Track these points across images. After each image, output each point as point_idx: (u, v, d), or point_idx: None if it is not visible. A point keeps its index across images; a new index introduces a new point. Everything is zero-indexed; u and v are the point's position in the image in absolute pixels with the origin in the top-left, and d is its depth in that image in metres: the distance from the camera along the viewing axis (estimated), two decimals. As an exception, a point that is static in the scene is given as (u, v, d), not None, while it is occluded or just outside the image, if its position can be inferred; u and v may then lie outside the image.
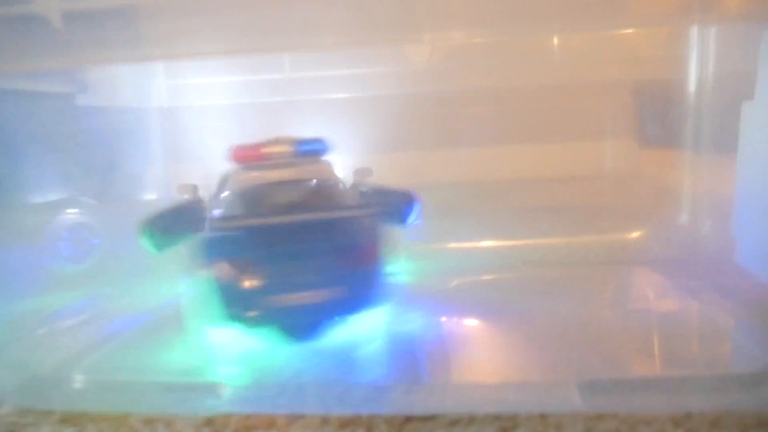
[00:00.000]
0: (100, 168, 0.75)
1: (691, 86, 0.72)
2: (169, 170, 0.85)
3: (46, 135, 0.65)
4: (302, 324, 0.47)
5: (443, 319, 0.55)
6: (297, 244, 0.47)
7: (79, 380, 0.45)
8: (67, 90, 0.69)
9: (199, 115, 0.83)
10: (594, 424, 0.37)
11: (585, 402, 0.39)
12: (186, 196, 0.55)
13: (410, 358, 0.48)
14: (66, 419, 0.40)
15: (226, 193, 0.53)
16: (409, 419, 0.38)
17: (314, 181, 0.53)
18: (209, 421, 0.39)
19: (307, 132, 0.58)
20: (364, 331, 0.50)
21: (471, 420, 0.38)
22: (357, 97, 0.81)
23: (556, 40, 0.77)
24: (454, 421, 0.38)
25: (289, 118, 0.81)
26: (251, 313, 0.46)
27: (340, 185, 0.56)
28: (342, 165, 0.61)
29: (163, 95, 0.82)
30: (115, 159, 0.78)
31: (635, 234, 0.74)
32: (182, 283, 0.51)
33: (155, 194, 0.82)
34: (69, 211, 0.65)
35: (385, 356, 0.48)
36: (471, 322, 0.55)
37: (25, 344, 0.51)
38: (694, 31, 0.70)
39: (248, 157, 0.53)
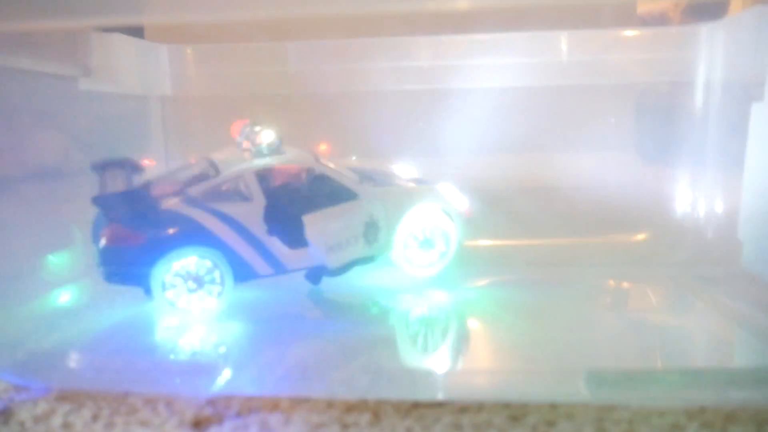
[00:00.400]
0: (98, 156, 0.74)
1: (699, 89, 0.72)
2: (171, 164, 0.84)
3: (48, 117, 0.64)
4: None
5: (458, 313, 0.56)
6: None
7: (75, 359, 0.44)
8: (70, 73, 0.68)
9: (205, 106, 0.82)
10: (606, 414, 0.36)
11: (592, 393, 0.38)
12: None
13: (420, 345, 0.47)
14: (64, 397, 0.39)
15: None
16: (416, 405, 0.37)
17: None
18: (211, 402, 0.38)
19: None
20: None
21: (480, 407, 0.37)
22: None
23: (563, 41, 0.77)
24: (463, 408, 0.37)
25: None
26: None
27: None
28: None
29: (167, 83, 0.81)
30: (116, 148, 0.77)
31: (640, 236, 0.74)
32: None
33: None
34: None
35: (394, 343, 0.47)
36: (484, 318, 0.54)
37: (25, 322, 0.50)
38: (702, 33, 0.70)
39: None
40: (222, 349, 0.47)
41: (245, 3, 0.51)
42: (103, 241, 0.52)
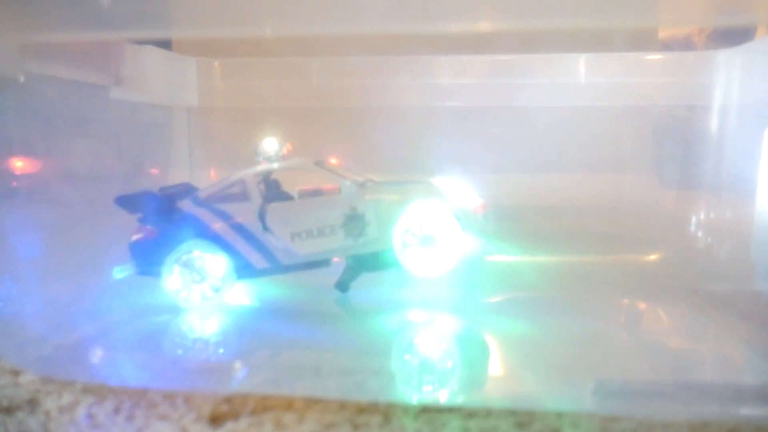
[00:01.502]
0: (126, 163, 0.76)
1: (715, 113, 0.73)
2: (194, 174, 0.86)
3: (80, 123, 0.67)
4: None
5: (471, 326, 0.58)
6: None
7: (97, 355, 0.46)
8: (102, 82, 0.71)
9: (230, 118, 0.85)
10: (610, 424, 0.37)
11: (599, 404, 0.39)
12: None
13: (432, 353, 0.49)
14: (88, 390, 0.41)
15: None
16: (425, 409, 0.39)
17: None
18: (228, 399, 0.39)
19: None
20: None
21: (488, 413, 0.38)
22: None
23: (582, 64, 0.79)
24: (471, 414, 0.38)
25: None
26: None
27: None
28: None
29: (194, 95, 0.83)
30: (142, 156, 0.79)
31: (653, 257, 0.74)
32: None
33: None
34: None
35: (408, 350, 0.49)
36: (496, 331, 0.56)
37: (50, 319, 0.52)
38: (719, 58, 0.71)
39: None
40: (238, 349, 0.49)
41: (272, 20, 0.54)
42: (131, 238, 0.60)
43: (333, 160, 0.68)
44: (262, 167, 0.62)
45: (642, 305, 0.64)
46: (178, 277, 0.58)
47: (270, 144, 0.62)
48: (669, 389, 0.41)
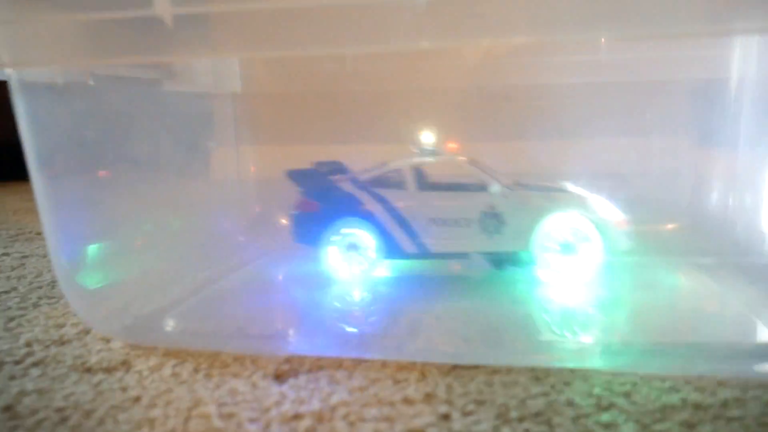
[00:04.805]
0: (182, 147, 0.83)
1: (733, 86, 0.76)
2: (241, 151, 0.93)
3: (139, 115, 0.74)
4: None
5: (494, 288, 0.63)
6: None
7: (170, 324, 0.53)
8: (156, 77, 0.77)
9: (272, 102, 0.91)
10: (616, 377, 0.43)
11: (604, 362, 0.45)
12: None
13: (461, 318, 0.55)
14: (169, 353, 0.49)
15: None
16: (455, 367, 0.45)
17: None
18: (288, 360, 0.47)
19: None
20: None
21: (509, 370, 0.44)
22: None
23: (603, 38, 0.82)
24: (495, 371, 0.44)
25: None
26: None
27: None
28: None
29: (237, 82, 0.89)
30: (195, 140, 0.86)
31: (671, 225, 0.79)
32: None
33: (226, 173, 0.91)
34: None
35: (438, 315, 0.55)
36: (516, 294, 0.61)
37: (131, 291, 0.60)
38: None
39: None
40: (296, 316, 0.56)
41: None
42: (293, 209, 0.68)
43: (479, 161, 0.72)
44: (419, 159, 0.69)
45: (658, 272, 0.69)
46: (334, 250, 0.66)
47: (427, 138, 0.69)
48: (669, 348, 0.47)
